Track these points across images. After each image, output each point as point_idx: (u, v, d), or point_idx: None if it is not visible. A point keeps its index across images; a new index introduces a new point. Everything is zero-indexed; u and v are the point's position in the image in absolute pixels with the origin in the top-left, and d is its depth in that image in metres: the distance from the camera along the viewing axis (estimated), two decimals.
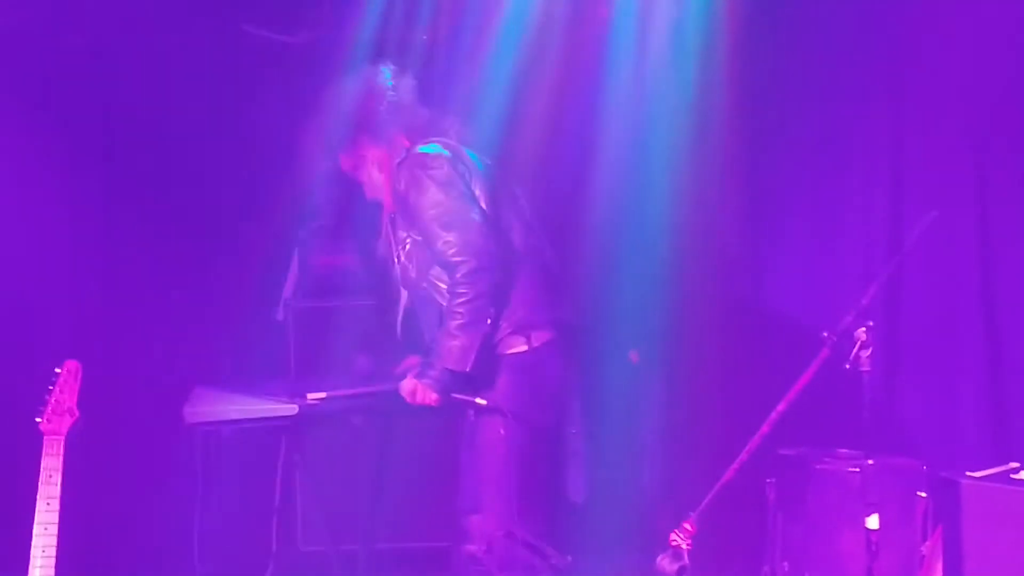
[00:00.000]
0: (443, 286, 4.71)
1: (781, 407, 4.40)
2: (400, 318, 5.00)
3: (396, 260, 4.89)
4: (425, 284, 4.79)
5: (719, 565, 5.32)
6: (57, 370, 4.52)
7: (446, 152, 4.80)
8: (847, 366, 4.35)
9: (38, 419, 4.45)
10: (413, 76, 4.94)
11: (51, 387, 4.49)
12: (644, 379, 6.15)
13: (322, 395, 4.91)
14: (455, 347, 4.60)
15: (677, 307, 6.15)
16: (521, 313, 4.71)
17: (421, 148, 4.81)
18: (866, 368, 4.35)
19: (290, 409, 4.83)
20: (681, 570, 4.23)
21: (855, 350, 4.35)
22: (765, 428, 4.41)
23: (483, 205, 4.75)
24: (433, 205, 4.69)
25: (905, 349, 5.63)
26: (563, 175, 5.47)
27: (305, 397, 4.88)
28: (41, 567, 4.28)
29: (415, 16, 5.99)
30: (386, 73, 4.92)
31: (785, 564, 5.19)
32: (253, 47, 6.37)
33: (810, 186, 5.87)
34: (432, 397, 4.66)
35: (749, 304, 5.96)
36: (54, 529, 4.33)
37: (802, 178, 5.87)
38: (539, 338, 4.73)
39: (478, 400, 4.63)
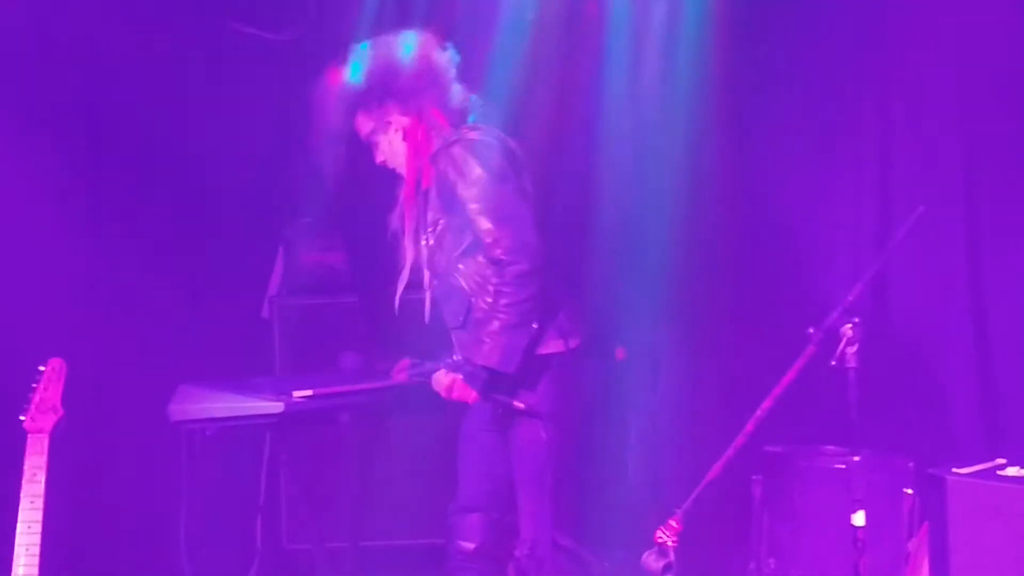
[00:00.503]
0: (476, 278, 4.62)
1: (767, 404, 4.40)
2: (428, 306, 4.87)
3: (424, 242, 4.77)
4: (454, 272, 4.69)
5: (705, 562, 5.32)
6: (41, 368, 4.52)
7: (498, 138, 4.70)
8: (833, 363, 4.34)
9: (22, 417, 4.45)
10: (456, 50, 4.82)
11: (35, 385, 4.49)
12: (630, 375, 6.16)
13: (308, 393, 4.90)
14: (500, 347, 4.53)
15: (663, 303, 6.16)
16: (560, 316, 4.67)
17: (473, 132, 4.69)
18: (852, 365, 4.35)
19: (276, 407, 4.83)
20: (667, 567, 4.23)
21: (841, 347, 4.35)
22: (751, 425, 4.41)
23: (531, 199, 4.68)
24: (485, 197, 4.58)
25: (892, 346, 5.63)
26: (550, 169, 5.43)
27: (291, 395, 4.87)
28: (25, 565, 4.27)
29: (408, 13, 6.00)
30: (426, 40, 4.80)
31: (771, 561, 5.19)
32: (240, 44, 6.35)
33: (797, 182, 5.87)
34: (471, 395, 4.59)
35: (735, 301, 5.95)
36: (38, 527, 4.32)
37: (789, 174, 5.87)
38: (574, 340, 4.69)
39: (516, 404, 4.58)
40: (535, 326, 4.58)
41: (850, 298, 4.42)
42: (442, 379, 4.63)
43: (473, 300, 4.64)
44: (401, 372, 5.13)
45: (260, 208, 6.44)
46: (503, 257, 4.54)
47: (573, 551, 4.64)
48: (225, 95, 6.29)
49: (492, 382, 4.56)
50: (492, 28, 6.11)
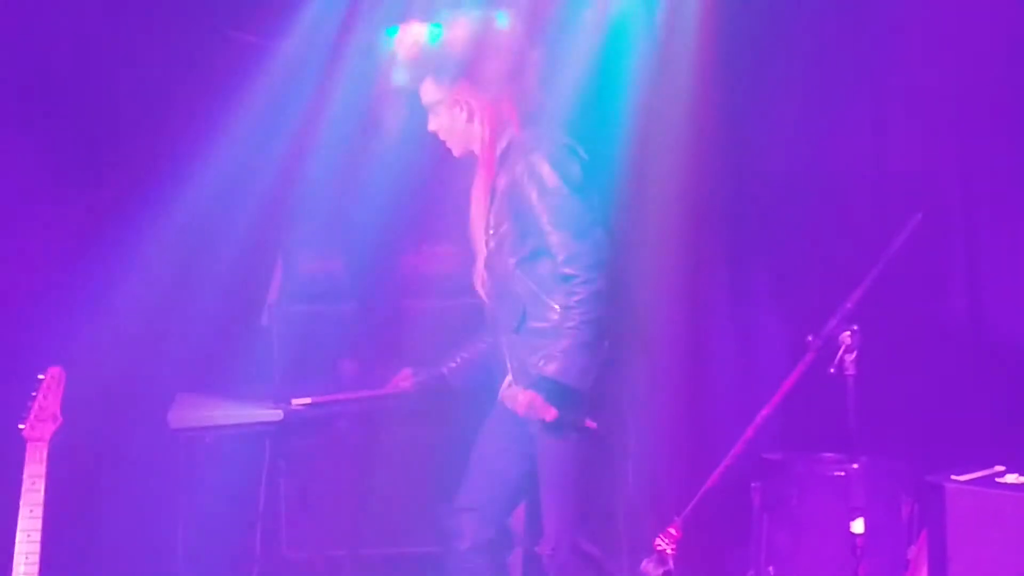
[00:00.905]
0: (534, 286, 4.57)
1: (766, 411, 4.40)
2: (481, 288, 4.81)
3: (485, 242, 4.72)
4: (513, 278, 4.64)
5: (704, 570, 5.32)
6: (40, 376, 4.51)
7: (577, 153, 4.64)
8: (832, 370, 4.34)
9: (21, 425, 4.44)
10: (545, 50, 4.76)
11: (34, 393, 4.49)
12: (627, 382, 6.15)
13: (307, 400, 4.91)
14: (576, 365, 4.50)
15: (660, 309, 6.15)
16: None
17: (551, 141, 4.62)
18: (851, 372, 4.35)
19: (275, 414, 4.84)
20: (666, 574, 4.22)
21: (840, 354, 4.35)
22: (750, 432, 4.41)
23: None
24: (562, 210, 4.53)
25: (891, 353, 5.63)
26: None
27: (290, 402, 4.88)
28: (24, 574, 4.27)
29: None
30: (520, 35, 4.74)
31: (770, 568, 5.19)
32: (234, 50, 6.35)
33: (793, 188, 5.87)
34: (550, 412, 4.56)
35: (733, 307, 5.95)
36: (37, 536, 4.32)
37: (785, 180, 5.87)
38: (605, 351, 4.66)
39: (588, 423, 4.56)
40: (607, 343, 4.54)
41: (849, 305, 4.43)
42: (520, 397, 4.57)
43: (529, 308, 4.60)
44: (404, 381, 5.12)
45: (260, 215, 6.44)
46: (578, 274, 4.50)
47: (596, 558, 4.62)
48: (224, 103, 6.29)
49: (566, 399, 4.53)
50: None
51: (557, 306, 4.52)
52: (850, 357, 4.34)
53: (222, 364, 6.06)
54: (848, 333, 4.36)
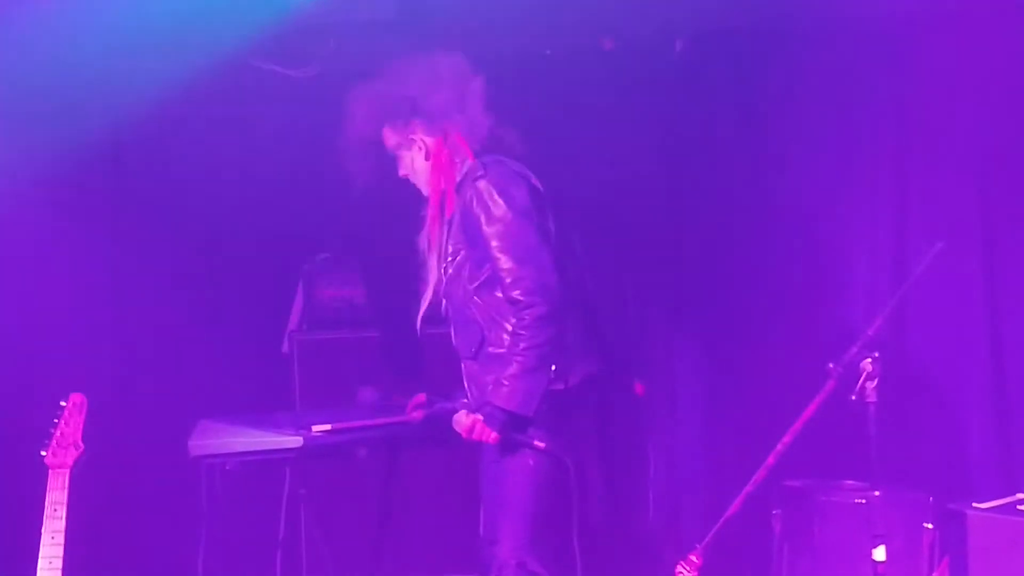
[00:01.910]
0: (491, 312, 4.62)
1: (787, 439, 4.40)
2: (420, 320, 4.89)
3: (442, 271, 4.79)
4: (470, 304, 4.69)
5: None
6: (62, 403, 4.53)
7: (524, 177, 4.70)
8: (853, 397, 4.34)
9: (43, 452, 4.46)
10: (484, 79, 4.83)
11: (56, 420, 4.50)
12: (649, 410, 6.15)
13: (327, 427, 4.91)
14: (519, 390, 4.52)
15: (681, 339, 6.16)
16: (569, 358, 4.65)
17: (498, 166, 4.69)
18: (872, 399, 4.35)
19: (295, 441, 4.83)
20: None
21: (861, 381, 4.35)
22: (771, 460, 4.40)
23: (553, 239, 4.67)
24: (508, 235, 4.59)
25: (911, 381, 5.62)
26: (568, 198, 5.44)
27: (310, 429, 4.87)
28: None
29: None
30: (459, 65, 4.82)
31: None
32: (261, 81, 6.39)
33: (815, 217, 5.87)
34: (491, 435, 4.58)
35: (754, 336, 5.94)
36: (59, 563, 4.33)
37: (808, 209, 5.87)
38: (576, 377, 4.68)
39: (536, 443, 4.58)
40: (554, 368, 4.57)
41: (870, 333, 4.42)
42: (463, 420, 4.62)
43: (487, 333, 4.65)
44: (416, 409, 5.13)
45: (280, 243, 6.46)
46: (522, 298, 4.54)
47: None
48: (246, 131, 6.32)
49: (511, 423, 4.56)
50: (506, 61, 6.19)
51: (508, 331, 4.56)
52: (871, 384, 4.34)
53: (243, 391, 6.09)
54: (869, 360, 4.35)
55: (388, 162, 4.92)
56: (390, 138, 4.85)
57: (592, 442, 4.86)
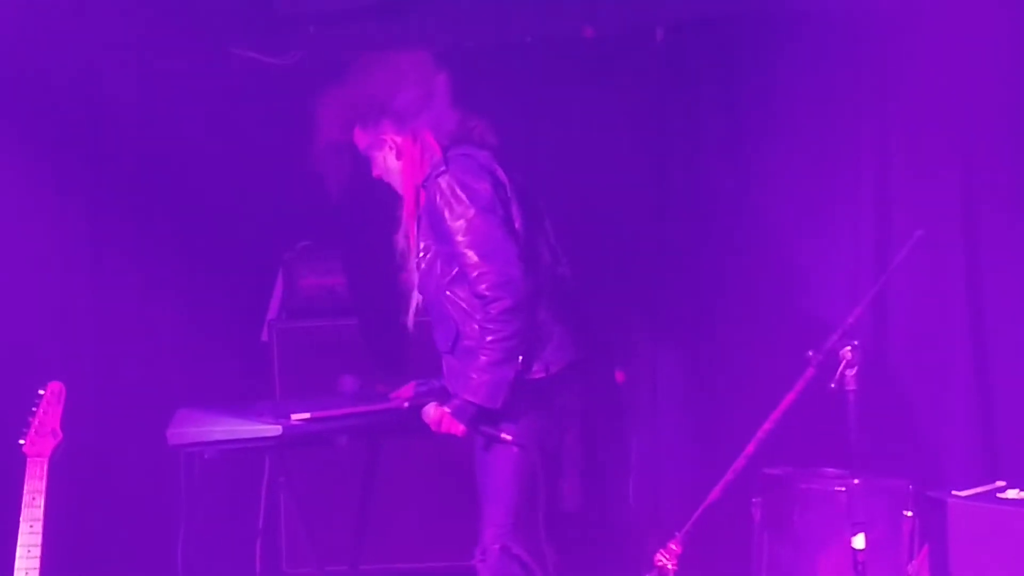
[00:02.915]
0: (464, 306, 4.62)
1: (767, 426, 4.40)
2: (411, 322, 4.91)
3: (415, 266, 4.78)
4: (443, 299, 4.69)
5: None
6: (40, 391, 4.51)
7: (488, 170, 4.69)
8: (833, 385, 4.34)
9: (21, 441, 4.44)
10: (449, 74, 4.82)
11: (34, 408, 4.49)
12: (630, 398, 6.15)
13: (307, 416, 4.89)
14: (485, 383, 4.53)
15: (662, 326, 6.16)
16: (543, 350, 4.65)
17: (461, 161, 4.69)
18: (852, 387, 4.34)
19: (274, 430, 4.81)
20: None
21: (841, 369, 4.34)
22: (751, 448, 4.40)
23: (520, 232, 4.67)
24: (471, 230, 4.58)
25: (891, 368, 5.63)
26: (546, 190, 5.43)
27: (289, 418, 4.86)
28: None
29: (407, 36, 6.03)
30: (423, 63, 4.82)
31: None
32: (240, 68, 6.37)
33: (797, 206, 5.87)
34: (459, 428, 4.59)
35: (736, 324, 5.95)
36: (37, 551, 4.32)
37: (787, 196, 5.87)
38: (555, 365, 4.68)
39: (503, 436, 4.58)
40: (521, 359, 4.58)
41: (850, 321, 4.42)
42: (431, 412, 4.64)
43: (461, 327, 4.65)
44: (407, 393, 5.12)
45: (260, 231, 6.45)
46: (487, 293, 4.54)
47: (525, 562, 4.61)
48: (226, 119, 6.30)
49: (479, 416, 4.56)
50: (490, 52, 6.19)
51: (477, 326, 4.57)
52: (851, 372, 4.34)
53: (222, 379, 6.07)
54: (849, 348, 4.35)
55: (363, 161, 4.91)
56: (362, 139, 4.85)
57: (576, 429, 4.85)
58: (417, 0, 6.08)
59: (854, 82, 5.76)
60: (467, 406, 4.56)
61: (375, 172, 4.89)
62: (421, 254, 4.75)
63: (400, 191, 4.86)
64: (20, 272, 5.82)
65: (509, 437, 4.56)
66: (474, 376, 4.54)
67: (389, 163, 4.84)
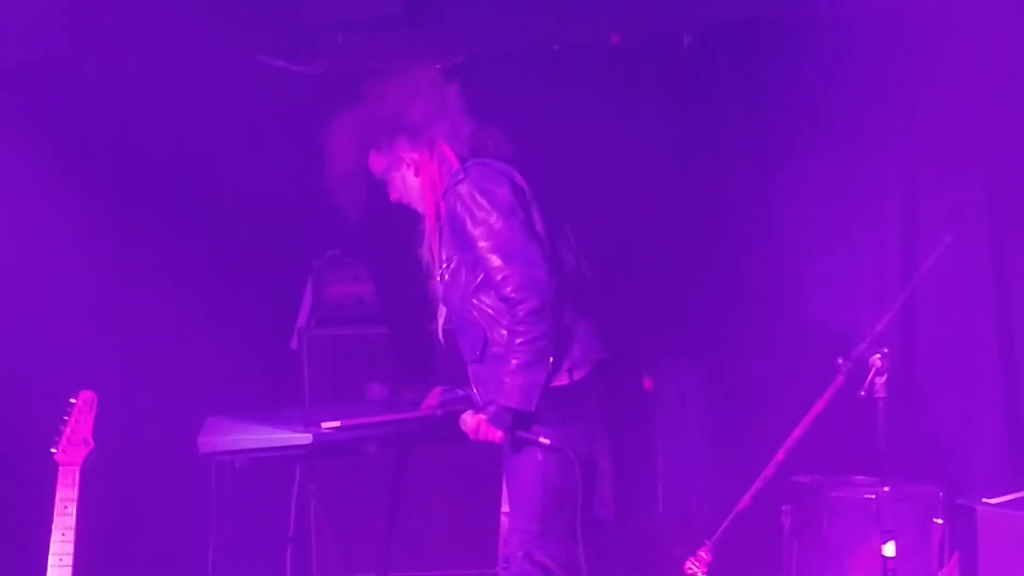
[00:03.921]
0: (491, 312, 4.62)
1: (796, 434, 4.40)
2: (441, 333, 4.91)
3: (439, 278, 4.79)
4: (469, 307, 4.68)
5: None
6: (72, 400, 4.53)
7: (506, 175, 4.68)
8: (862, 393, 4.33)
9: (53, 450, 4.46)
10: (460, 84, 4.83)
11: (66, 417, 4.51)
12: (658, 406, 6.15)
13: (336, 424, 4.90)
14: (518, 386, 4.51)
15: (691, 334, 6.15)
16: (570, 350, 4.64)
17: (479, 168, 4.69)
18: (881, 395, 4.34)
19: (304, 438, 4.83)
20: None
21: (870, 377, 4.34)
22: (780, 455, 4.40)
23: (542, 234, 4.66)
24: (493, 234, 4.57)
25: (920, 376, 5.62)
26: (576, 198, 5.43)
27: (319, 426, 4.87)
28: None
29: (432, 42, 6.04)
30: (433, 75, 4.84)
31: None
32: (268, 77, 6.39)
33: (824, 212, 5.86)
34: (497, 435, 4.57)
35: (763, 331, 5.94)
36: (69, 560, 4.34)
37: (816, 204, 5.87)
38: (580, 372, 4.68)
39: (542, 440, 4.58)
40: (552, 360, 4.58)
41: (879, 328, 4.42)
42: (468, 421, 4.62)
43: (489, 334, 4.65)
44: (432, 400, 5.13)
45: (289, 240, 6.46)
46: (513, 295, 4.53)
47: (550, 569, 4.60)
48: (253, 127, 6.32)
49: (516, 421, 4.56)
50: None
51: (504, 330, 4.57)
52: (880, 380, 4.34)
53: (252, 388, 6.09)
54: (878, 356, 4.35)
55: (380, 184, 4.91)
56: (378, 163, 4.84)
57: (604, 435, 4.85)
58: (444, 8, 6.08)
59: (880, 87, 5.75)
60: (503, 411, 4.54)
61: (393, 197, 4.88)
62: (445, 265, 4.75)
63: (421, 210, 4.86)
64: (50, 282, 5.86)
65: (547, 441, 4.56)
66: (506, 380, 4.53)
67: (408, 182, 4.83)
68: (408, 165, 4.82)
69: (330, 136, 4.83)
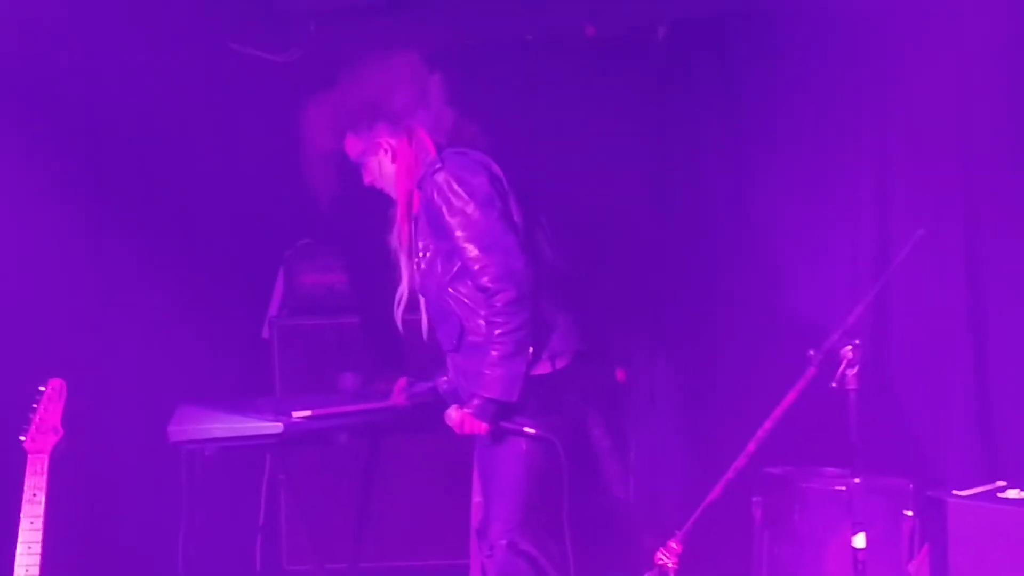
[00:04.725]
0: (467, 302, 4.62)
1: (767, 425, 4.40)
2: (400, 321, 4.89)
3: (415, 267, 4.78)
4: (446, 297, 4.68)
5: None
6: (41, 388, 4.51)
7: (483, 165, 4.68)
8: (834, 385, 4.34)
9: (22, 437, 4.44)
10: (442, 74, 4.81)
11: (35, 405, 4.49)
12: (630, 397, 6.15)
13: (307, 413, 4.90)
14: (499, 377, 4.52)
15: (662, 326, 6.16)
16: (549, 339, 4.65)
17: (456, 157, 4.68)
18: (852, 387, 4.35)
19: (275, 427, 4.82)
20: None
21: (841, 368, 4.35)
22: (751, 447, 4.41)
23: (519, 225, 4.66)
24: (471, 224, 4.57)
25: (892, 368, 5.63)
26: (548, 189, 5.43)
27: (290, 415, 4.87)
28: None
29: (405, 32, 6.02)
30: (415, 63, 4.81)
31: None
32: (241, 66, 6.37)
33: (798, 205, 5.87)
34: (481, 427, 4.57)
35: (736, 322, 5.95)
36: (37, 548, 4.32)
37: (788, 196, 5.87)
38: (562, 360, 4.68)
39: (527, 430, 4.58)
40: (531, 350, 4.58)
41: (851, 320, 4.42)
42: (452, 415, 4.61)
43: (466, 323, 4.64)
44: (399, 394, 5.13)
45: (261, 229, 6.45)
46: (490, 285, 4.53)
47: (533, 556, 4.61)
48: (225, 116, 6.30)
49: (499, 412, 4.55)
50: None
51: (483, 320, 4.56)
52: (852, 372, 4.34)
53: (223, 377, 6.08)
54: (850, 348, 4.35)
55: (352, 168, 4.88)
56: (355, 146, 4.82)
57: (600, 421, 4.86)
58: None
59: (855, 81, 5.76)
60: (486, 404, 4.54)
61: (367, 179, 4.86)
62: (420, 254, 4.73)
63: (394, 196, 4.84)
64: (20, 269, 5.82)
65: (533, 431, 4.55)
66: (487, 372, 4.53)
67: (384, 168, 4.81)
68: (385, 151, 4.80)
69: (308, 115, 4.81)
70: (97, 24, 5.97)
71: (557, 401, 4.67)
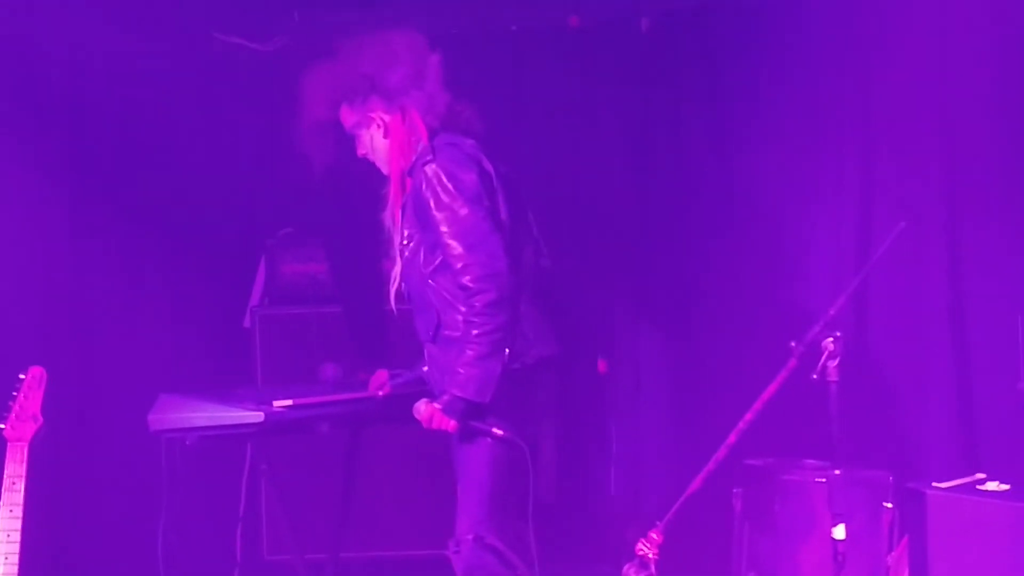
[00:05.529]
0: (446, 296, 4.57)
1: (748, 417, 4.42)
2: (393, 300, 4.87)
3: (400, 254, 4.74)
4: (426, 287, 4.64)
5: (686, 575, 5.32)
6: (21, 376, 4.50)
7: (474, 160, 4.64)
8: (814, 376, 4.35)
9: (1, 425, 4.43)
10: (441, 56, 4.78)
11: (15, 393, 4.48)
12: (612, 388, 6.16)
13: (288, 402, 4.88)
14: (474, 377, 4.47)
15: (644, 316, 6.17)
16: (524, 338, 4.62)
17: (448, 150, 4.64)
18: (833, 379, 4.36)
19: (256, 416, 4.80)
20: None
21: (822, 360, 4.36)
22: (732, 438, 4.42)
23: (505, 223, 4.62)
24: (457, 221, 4.52)
25: (873, 360, 5.64)
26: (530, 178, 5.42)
27: (271, 404, 4.85)
28: (4, 574, 4.25)
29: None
30: (416, 42, 4.76)
31: (752, 574, 5.19)
32: (224, 54, 6.35)
33: (779, 197, 5.88)
34: (450, 424, 4.54)
35: (718, 314, 5.96)
36: (17, 536, 4.31)
37: (772, 188, 5.89)
38: (532, 357, 4.66)
39: (495, 431, 4.56)
40: (507, 351, 4.56)
41: (832, 312, 4.44)
42: (422, 409, 4.59)
43: (443, 316, 4.62)
44: (381, 386, 5.12)
45: (242, 218, 6.43)
46: (472, 285, 4.50)
47: (499, 550, 4.60)
48: (208, 104, 6.29)
49: (469, 411, 4.55)
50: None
51: (461, 317, 4.55)
52: (833, 364, 4.36)
53: (204, 366, 6.06)
54: (831, 340, 4.37)
55: (348, 141, 4.88)
56: (348, 117, 4.79)
57: (549, 422, 4.84)
58: None
59: (838, 73, 5.76)
60: (456, 401, 4.51)
61: (360, 151, 4.84)
62: (405, 242, 4.72)
63: (385, 171, 4.81)
64: (1, 257, 5.79)
65: (501, 432, 4.54)
66: (461, 371, 4.50)
67: (376, 142, 4.78)
68: (378, 125, 4.76)
69: (305, 83, 4.79)
70: (80, 13, 5.94)
71: (525, 398, 4.66)
